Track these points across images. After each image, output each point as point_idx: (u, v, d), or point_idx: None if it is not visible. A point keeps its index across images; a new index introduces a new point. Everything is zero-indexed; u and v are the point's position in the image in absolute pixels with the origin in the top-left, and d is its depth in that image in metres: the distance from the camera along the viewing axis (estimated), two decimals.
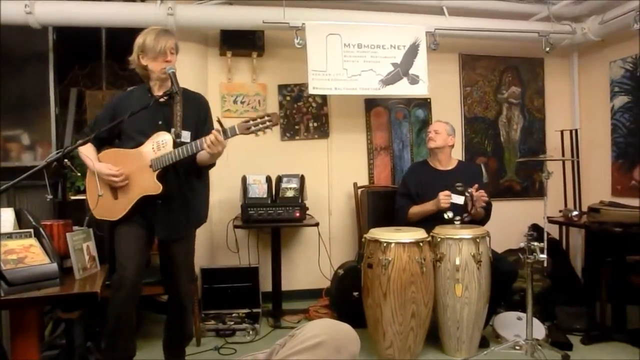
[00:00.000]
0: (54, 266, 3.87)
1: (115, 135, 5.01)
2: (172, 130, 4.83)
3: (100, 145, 5.00)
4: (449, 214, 6.17)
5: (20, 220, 4.36)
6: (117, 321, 4.69)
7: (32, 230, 4.10)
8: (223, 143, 4.64)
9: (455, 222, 6.15)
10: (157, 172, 4.73)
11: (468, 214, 6.15)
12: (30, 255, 3.86)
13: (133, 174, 4.78)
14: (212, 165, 5.14)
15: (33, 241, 4.01)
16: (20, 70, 7.30)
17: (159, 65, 4.81)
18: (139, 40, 4.93)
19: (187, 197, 5.05)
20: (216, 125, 4.82)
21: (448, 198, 6.16)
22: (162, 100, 4.81)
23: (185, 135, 4.89)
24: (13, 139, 7.43)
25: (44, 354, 5.43)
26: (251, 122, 4.68)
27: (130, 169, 4.78)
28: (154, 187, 4.72)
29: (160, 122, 4.88)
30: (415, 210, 6.52)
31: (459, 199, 6.23)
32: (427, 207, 6.37)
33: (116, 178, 4.72)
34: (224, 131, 4.64)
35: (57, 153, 4.07)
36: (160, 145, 4.76)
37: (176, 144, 4.77)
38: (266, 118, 4.70)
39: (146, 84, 5.07)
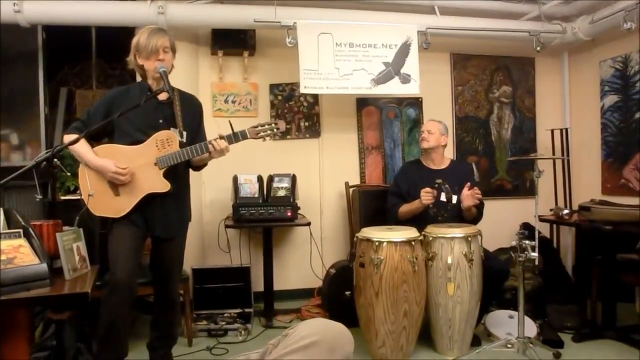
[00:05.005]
0: (44, 267, 3.84)
1: (107, 132, 4.96)
2: (177, 130, 4.88)
3: (88, 141, 4.90)
4: (433, 210, 6.28)
5: (9, 221, 4.33)
6: (111, 324, 4.67)
7: (21, 230, 4.07)
8: (228, 148, 4.87)
9: (439, 219, 6.29)
10: (163, 170, 4.77)
11: (448, 211, 6.25)
12: (19, 255, 3.83)
13: (136, 170, 4.77)
14: (205, 165, 5.25)
15: (22, 241, 3.98)
16: (9, 69, 7.28)
17: (152, 64, 4.81)
18: (134, 39, 4.95)
19: (182, 195, 5.16)
20: (222, 126, 4.90)
21: (428, 194, 6.16)
22: (162, 99, 4.89)
23: (184, 136, 4.94)
24: (2, 139, 7.42)
25: (34, 355, 5.40)
26: (260, 128, 4.94)
27: (133, 165, 4.76)
28: (162, 185, 4.79)
29: (161, 121, 4.92)
30: (405, 208, 6.52)
31: (442, 196, 6.27)
32: (415, 205, 6.37)
33: (122, 177, 4.70)
34: (235, 135, 4.84)
35: (47, 153, 4.05)
36: (165, 143, 4.80)
37: (181, 144, 4.83)
38: (274, 125, 4.98)
39: (144, 82, 5.06)
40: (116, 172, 4.67)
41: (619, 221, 6.38)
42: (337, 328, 2.60)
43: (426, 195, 6.16)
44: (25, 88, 7.37)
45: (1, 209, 4.36)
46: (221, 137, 4.81)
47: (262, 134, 4.92)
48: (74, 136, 4.45)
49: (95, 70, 9.38)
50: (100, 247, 5.13)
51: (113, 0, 7.33)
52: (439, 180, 6.29)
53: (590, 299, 6.77)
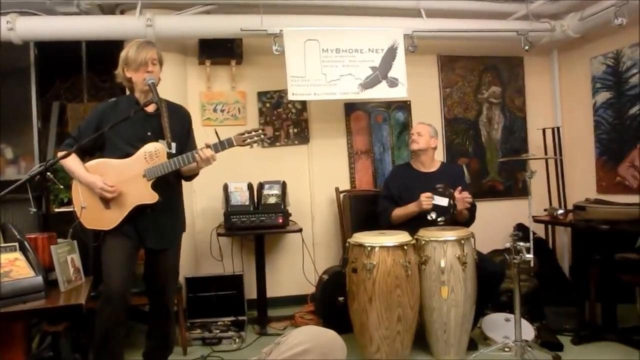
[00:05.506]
0: (39, 279, 3.86)
1: (99, 146, 4.98)
2: (165, 141, 4.89)
3: (82, 156, 4.97)
4: (432, 215, 6.19)
5: (4, 234, 4.36)
6: (106, 335, 4.66)
7: (16, 244, 4.09)
8: (215, 157, 4.87)
9: (439, 223, 6.18)
10: (151, 181, 4.78)
11: (451, 215, 6.19)
12: (15, 269, 3.85)
13: (125, 183, 4.79)
14: (196, 175, 5.27)
15: (18, 255, 4.00)
16: (2, 85, 7.31)
17: (141, 76, 4.85)
18: (122, 53, 5.00)
19: (174, 206, 5.17)
20: (210, 135, 4.93)
21: (429, 199, 6.15)
22: (150, 111, 4.95)
23: (173, 147, 4.95)
24: None
25: None
26: (246, 135, 4.96)
27: (122, 178, 4.78)
28: (150, 196, 4.79)
29: (149, 133, 4.93)
30: (399, 212, 6.52)
31: (442, 201, 6.22)
32: (410, 208, 6.37)
33: (109, 193, 4.72)
34: (221, 143, 4.88)
35: (40, 166, 4.07)
36: (153, 155, 4.82)
37: (169, 155, 4.84)
38: (260, 131, 5.00)
39: (132, 95, 5.09)
40: (102, 189, 4.70)
41: (616, 220, 6.34)
42: (329, 335, 2.62)
43: (427, 201, 6.16)
44: (18, 103, 7.40)
45: None
46: (207, 146, 4.84)
47: (248, 140, 4.93)
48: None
49: (86, 84, 9.42)
50: (94, 258, 5.14)
51: (102, 14, 7.37)
52: (440, 185, 6.27)
53: (588, 300, 6.73)
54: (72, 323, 5.57)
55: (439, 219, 6.19)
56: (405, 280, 5.58)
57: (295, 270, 8.22)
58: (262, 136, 4.98)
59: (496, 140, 9.17)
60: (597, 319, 6.64)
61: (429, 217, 6.20)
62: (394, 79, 7.65)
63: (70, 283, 4.34)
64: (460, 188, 6.20)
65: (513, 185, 9.20)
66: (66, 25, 7.05)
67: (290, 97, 7.41)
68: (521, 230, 5.72)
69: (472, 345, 6.15)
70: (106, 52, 6.39)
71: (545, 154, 8.85)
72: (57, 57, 8.19)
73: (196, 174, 5.27)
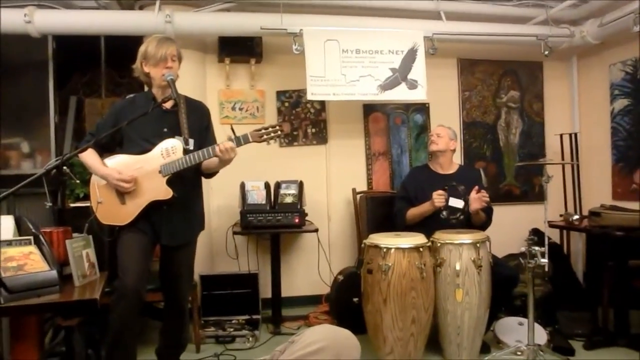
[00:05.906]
0: (54, 273, 3.87)
1: (117, 142, 5.00)
2: (182, 137, 4.86)
3: (101, 152, 4.97)
4: (444, 213, 6.22)
5: (19, 228, 4.36)
6: (120, 330, 4.65)
7: (31, 237, 4.10)
8: (235, 151, 4.81)
9: (452, 221, 6.23)
10: (166, 177, 4.77)
11: (464, 213, 6.23)
12: (29, 262, 3.86)
13: (141, 179, 4.78)
14: (216, 173, 5.23)
15: (33, 248, 4.01)
16: (19, 78, 7.31)
17: (160, 71, 4.84)
18: (141, 48, 4.98)
19: (191, 204, 5.14)
20: (227, 132, 4.90)
21: (441, 197, 6.17)
22: (167, 107, 4.94)
23: (191, 143, 4.92)
24: (13, 147, 7.44)
25: None
26: (263, 131, 4.89)
27: (138, 174, 4.78)
28: (165, 192, 4.77)
29: (165, 130, 4.92)
30: (414, 211, 6.51)
31: (455, 202, 6.25)
32: (424, 207, 6.37)
33: (126, 184, 4.70)
34: (237, 139, 4.82)
35: (57, 160, 4.09)
36: (169, 151, 4.81)
37: (185, 151, 4.82)
38: (277, 127, 4.92)
39: (149, 91, 5.09)
40: (119, 179, 4.68)
41: (631, 227, 6.33)
42: (344, 334, 2.60)
43: (439, 198, 6.17)
44: (35, 97, 7.40)
45: (12, 216, 4.39)
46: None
47: (265, 137, 4.87)
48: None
49: (104, 79, 9.40)
50: (109, 253, 5.15)
51: (121, 9, 7.37)
52: (452, 184, 6.28)
53: (601, 305, 6.70)
54: (85, 318, 5.57)
55: (451, 217, 6.23)
56: (420, 283, 5.57)
57: (310, 270, 8.24)
58: (279, 132, 4.91)
59: (514, 144, 9.15)
60: (610, 324, 6.62)
61: (441, 215, 6.25)
62: (413, 81, 7.63)
63: (85, 278, 4.36)
64: (477, 188, 6.23)
65: (529, 190, 9.18)
66: (85, 19, 7.07)
67: (310, 96, 7.40)
68: (536, 235, 5.71)
69: (485, 348, 6.15)
70: (125, 47, 6.38)
71: (562, 159, 8.80)
72: (75, 50, 8.18)
73: (216, 172, 5.24)
